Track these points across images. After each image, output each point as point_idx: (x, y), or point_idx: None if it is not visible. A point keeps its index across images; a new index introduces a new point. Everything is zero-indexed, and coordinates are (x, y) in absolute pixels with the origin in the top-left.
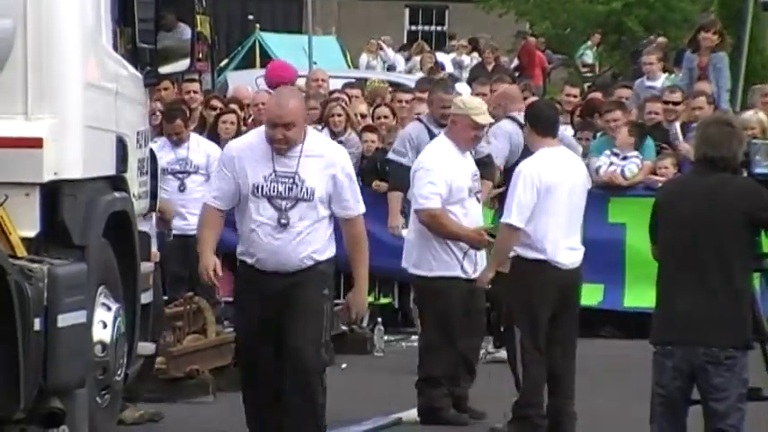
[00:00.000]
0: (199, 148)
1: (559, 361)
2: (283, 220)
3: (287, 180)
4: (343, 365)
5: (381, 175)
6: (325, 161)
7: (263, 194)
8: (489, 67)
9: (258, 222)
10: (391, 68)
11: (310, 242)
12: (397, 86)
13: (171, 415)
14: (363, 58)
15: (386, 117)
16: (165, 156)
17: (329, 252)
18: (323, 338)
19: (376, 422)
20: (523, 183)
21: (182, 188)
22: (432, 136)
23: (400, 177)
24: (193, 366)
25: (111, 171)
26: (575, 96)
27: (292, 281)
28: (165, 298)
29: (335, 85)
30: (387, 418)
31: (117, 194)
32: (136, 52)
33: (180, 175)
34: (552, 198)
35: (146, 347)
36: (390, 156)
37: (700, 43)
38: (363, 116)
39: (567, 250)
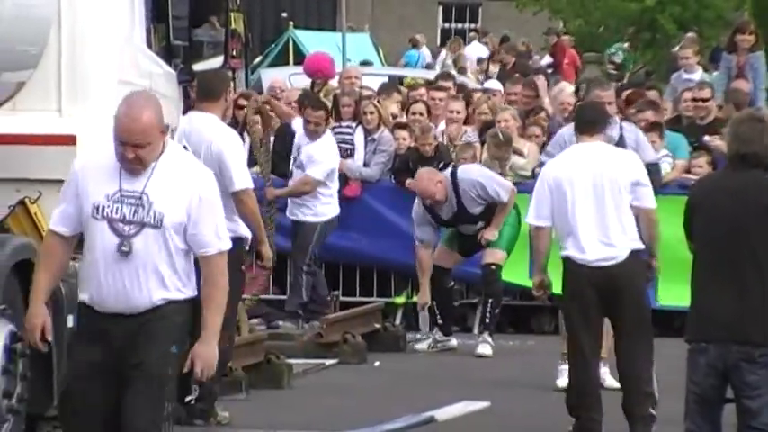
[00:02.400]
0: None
1: (624, 365)
2: (125, 248)
3: (132, 201)
4: (376, 363)
5: (414, 172)
6: (182, 182)
7: (103, 216)
8: (507, 67)
9: (97, 251)
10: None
11: (160, 278)
12: (431, 84)
13: None
14: (443, 54)
15: (421, 114)
16: None
17: (187, 292)
18: (161, 415)
19: (408, 420)
20: (539, 180)
21: None
22: None
23: None
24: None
25: None
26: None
27: (136, 326)
28: None
29: (368, 82)
30: (419, 416)
31: None
32: (170, 49)
33: None
34: (567, 193)
35: None
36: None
37: (737, 45)
38: (395, 116)
39: (597, 246)
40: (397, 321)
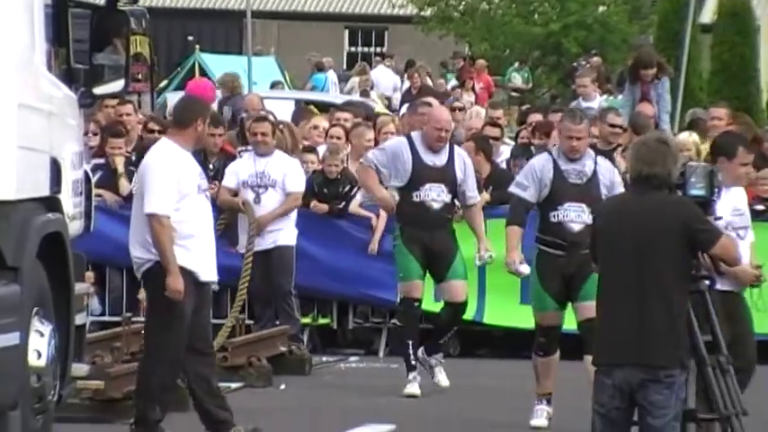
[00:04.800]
0: (279, 163)
1: None
2: None
3: None
4: (282, 386)
5: (319, 195)
6: None
7: None
8: (414, 91)
9: None
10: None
11: None
12: (326, 107)
13: None
14: (353, 80)
15: (338, 138)
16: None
17: None
18: None
19: None
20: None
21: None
22: (557, 170)
23: (519, 212)
24: (131, 387)
25: (45, 192)
26: (498, 118)
27: None
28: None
29: (275, 105)
30: None
31: (51, 215)
32: (70, 73)
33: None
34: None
35: (80, 369)
36: (512, 188)
37: (641, 78)
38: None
39: None
40: (303, 344)
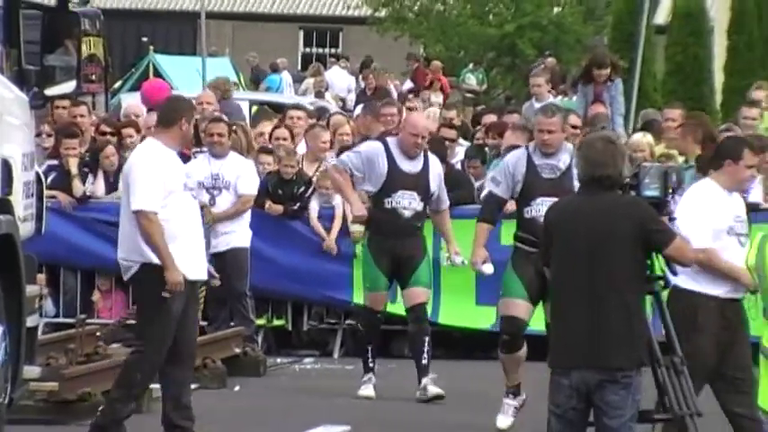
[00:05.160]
0: (233, 165)
1: None
2: None
3: None
4: (237, 388)
5: (274, 196)
6: None
7: None
8: (369, 92)
9: None
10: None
11: None
12: (280, 108)
13: None
14: (307, 81)
15: (284, 139)
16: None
17: None
18: None
19: None
20: None
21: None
22: (531, 165)
23: (491, 208)
24: (85, 389)
25: None
26: (452, 119)
27: None
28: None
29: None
30: None
31: (1, 217)
32: (22, 74)
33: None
34: None
35: (31, 371)
36: (486, 184)
37: (594, 78)
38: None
39: None
40: (258, 346)
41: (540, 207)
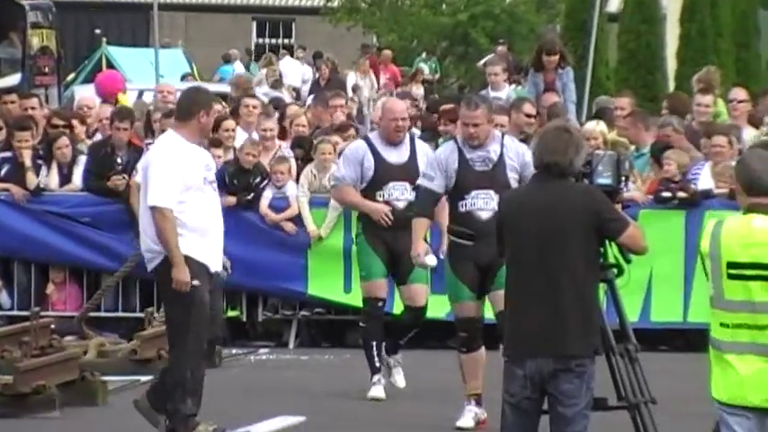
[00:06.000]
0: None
1: None
2: None
3: None
4: None
5: (229, 187)
6: None
7: None
8: (323, 83)
9: None
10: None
11: None
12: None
13: (17, 431)
14: (351, 77)
15: (233, 130)
16: None
17: None
18: None
19: None
20: None
21: None
22: (462, 158)
23: (426, 204)
24: (40, 382)
25: None
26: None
27: None
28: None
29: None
30: (235, 431)
31: None
32: None
33: None
34: None
35: None
36: (419, 180)
37: (544, 65)
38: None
39: None
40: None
41: (474, 200)
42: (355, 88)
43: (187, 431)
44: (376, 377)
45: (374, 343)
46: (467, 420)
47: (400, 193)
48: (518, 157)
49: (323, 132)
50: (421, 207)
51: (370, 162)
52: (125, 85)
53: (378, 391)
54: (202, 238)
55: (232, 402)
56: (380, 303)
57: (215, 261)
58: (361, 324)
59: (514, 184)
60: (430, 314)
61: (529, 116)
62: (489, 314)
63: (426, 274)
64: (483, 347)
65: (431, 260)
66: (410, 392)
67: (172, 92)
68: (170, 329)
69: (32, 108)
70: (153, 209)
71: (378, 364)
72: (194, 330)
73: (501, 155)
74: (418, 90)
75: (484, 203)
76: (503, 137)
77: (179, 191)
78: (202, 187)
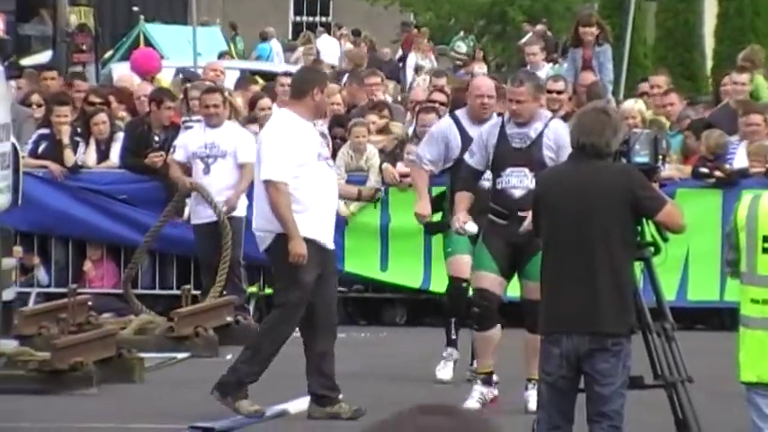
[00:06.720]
0: (230, 133)
1: None
2: None
3: None
4: (229, 356)
5: None
6: None
7: None
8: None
9: None
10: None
11: None
12: (272, 77)
13: (54, 407)
14: (412, 57)
15: (269, 108)
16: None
17: None
18: None
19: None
20: None
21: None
22: (503, 134)
23: (468, 179)
24: (77, 358)
25: None
26: (442, 87)
27: None
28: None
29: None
30: (272, 408)
31: None
32: None
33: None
34: None
35: (7, 345)
36: (466, 156)
37: (581, 38)
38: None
39: None
40: (250, 314)
41: (509, 178)
42: (418, 69)
43: (236, 394)
44: (447, 351)
45: (453, 320)
46: (472, 402)
47: (519, 180)
48: (556, 135)
49: (358, 113)
50: (461, 182)
51: (456, 140)
52: (160, 63)
53: (445, 372)
54: (316, 215)
55: (268, 380)
56: (464, 284)
57: (329, 238)
58: (444, 301)
59: (551, 164)
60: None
61: (559, 93)
62: (513, 293)
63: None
64: (498, 327)
65: (471, 227)
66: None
67: (223, 71)
68: (274, 303)
69: (52, 79)
70: (267, 183)
71: (453, 337)
72: (290, 308)
73: (540, 134)
74: (481, 69)
75: (518, 181)
76: (551, 118)
77: (293, 165)
78: (317, 163)
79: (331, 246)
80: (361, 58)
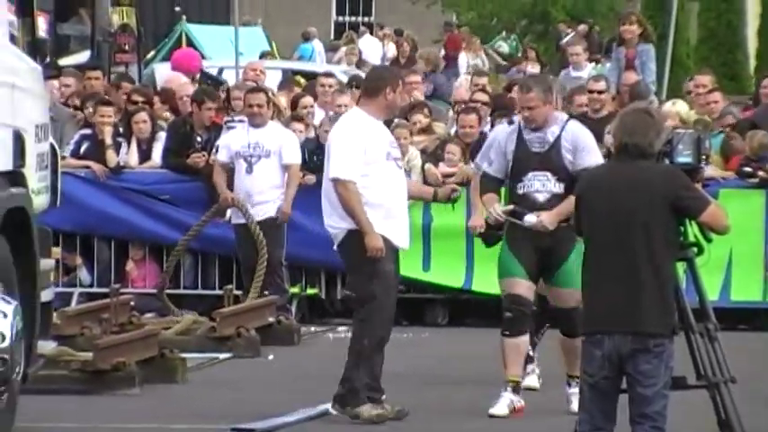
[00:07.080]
0: (274, 133)
1: None
2: None
3: None
4: (270, 357)
5: (309, 164)
6: None
7: None
8: (402, 60)
9: None
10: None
11: None
12: (313, 77)
13: (97, 408)
14: (463, 57)
15: (311, 107)
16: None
17: None
18: None
19: (303, 413)
20: None
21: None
22: (521, 139)
23: (489, 185)
24: (119, 358)
25: (8, 166)
26: (483, 86)
27: None
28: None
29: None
30: (314, 409)
31: (14, 190)
32: (35, 44)
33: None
34: None
35: (46, 346)
36: (478, 160)
37: (623, 37)
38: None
39: None
40: (292, 315)
41: (531, 182)
42: (475, 69)
43: (355, 402)
44: (530, 367)
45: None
46: (500, 408)
47: (542, 184)
48: (574, 138)
49: (399, 113)
50: (483, 189)
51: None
52: (201, 63)
53: (531, 379)
54: (386, 215)
55: (310, 381)
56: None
57: (399, 237)
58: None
59: (570, 168)
60: None
61: (591, 92)
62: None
63: (573, 278)
64: (527, 335)
65: (530, 217)
66: (484, 368)
67: (263, 70)
68: (355, 303)
69: (96, 78)
70: (335, 181)
71: (531, 354)
72: (379, 301)
73: (558, 137)
74: (533, 69)
75: (541, 185)
76: (567, 120)
77: (361, 164)
78: (386, 163)
79: (403, 245)
80: (437, 58)
